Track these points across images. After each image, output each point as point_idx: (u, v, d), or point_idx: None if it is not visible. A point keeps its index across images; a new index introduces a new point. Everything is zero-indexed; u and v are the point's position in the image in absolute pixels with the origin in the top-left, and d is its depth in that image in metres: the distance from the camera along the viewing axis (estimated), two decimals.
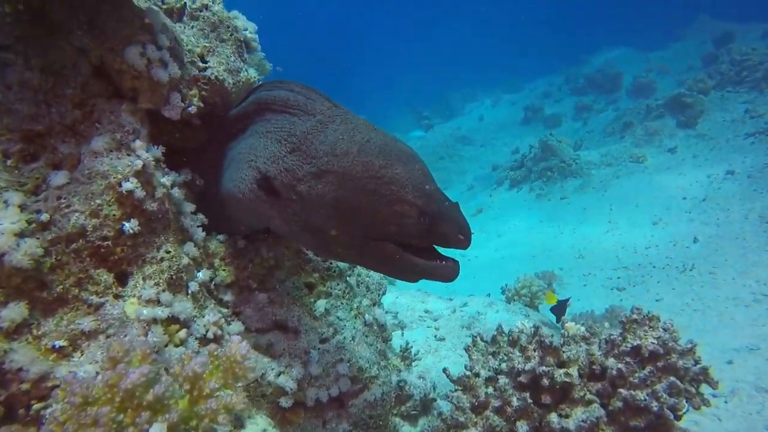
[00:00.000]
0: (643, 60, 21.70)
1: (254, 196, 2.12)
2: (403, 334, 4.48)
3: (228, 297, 2.67)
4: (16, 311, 1.63)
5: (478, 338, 2.50)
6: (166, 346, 1.94)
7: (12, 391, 1.57)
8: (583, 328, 2.23)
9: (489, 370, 2.26)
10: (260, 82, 4.91)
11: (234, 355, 1.40)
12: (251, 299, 2.74)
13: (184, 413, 1.28)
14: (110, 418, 1.12)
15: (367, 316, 3.09)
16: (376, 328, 3.15)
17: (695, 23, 23.29)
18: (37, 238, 1.72)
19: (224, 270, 2.69)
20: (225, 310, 2.62)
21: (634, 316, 2.12)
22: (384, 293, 3.39)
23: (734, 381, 4.92)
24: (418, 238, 1.78)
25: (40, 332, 1.71)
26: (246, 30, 3.48)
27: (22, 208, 1.74)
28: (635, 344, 1.98)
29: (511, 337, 2.36)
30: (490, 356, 2.34)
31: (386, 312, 5.02)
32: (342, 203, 1.82)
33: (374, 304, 3.24)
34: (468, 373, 2.30)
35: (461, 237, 1.75)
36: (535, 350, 2.07)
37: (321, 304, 2.90)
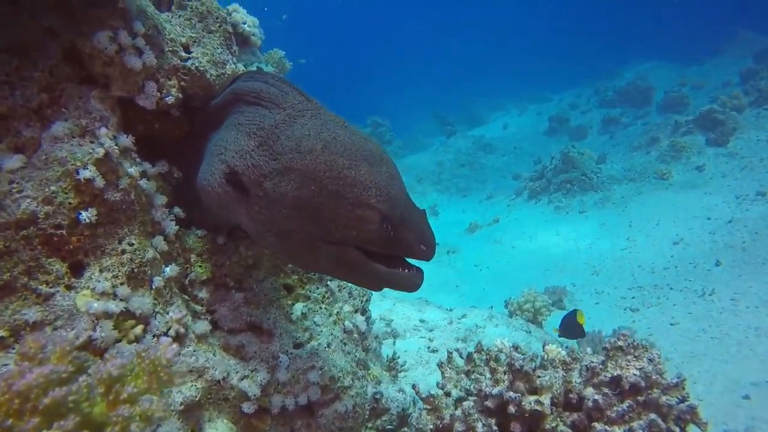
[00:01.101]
0: (677, 74, 21.08)
1: (223, 191, 2.04)
2: (395, 343, 4.35)
3: (203, 294, 2.60)
4: None
5: (454, 354, 2.36)
6: (118, 342, 1.87)
7: None
8: (564, 352, 2.07)
9: (460, 390, 2.12)
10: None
11: (159, 358, 1.31)
12: (227, 298, 2.66)
13: (92, 420, 1.19)
14: None
15: (347, 322, 2.98)
16: (356, 335, 3.03)
17: (735, 38, 22.51)
18: None
19: (200, 266, 2.62)
20: (198, 308, 2.55)
21: (620, 343, 1.95)
22: (368, 300, 3.27)
23: (750, 418, 4.62)
24: (380, 246, 1.67)
25: None
26: (245, 23, 3.42)
27: None
28: (616, 374, 1.82)
29: (488, 356, 2.21)
30: (463, 374, 2.20)
31: (380, 319, 4.91)
32: (303, 203, 1.72)
33: (356, 311, 3.12)
34: (438, 391, 2.16)
35: (423, 248, 1.63)
36: (505, 373, 1.92)
37: (298, 308, 2.81)
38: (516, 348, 2.13)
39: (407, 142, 23.19)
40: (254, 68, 5.27)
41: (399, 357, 3.84)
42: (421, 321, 4.86)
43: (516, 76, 31.87)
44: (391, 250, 1.68)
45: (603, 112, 19.84)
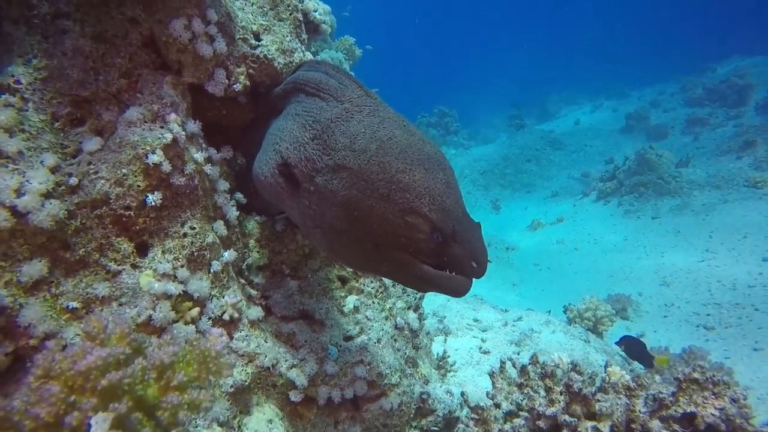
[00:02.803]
0: None
1: (275, 181, 2.04)
2: (446, 340, 4.27)
3: (259, 279, 2.65)
4: (35, 268, 1.69)
5: (508, 363, 2.25)
6: (175, 323, 1.94)
7: (20, 344, 1.62)
8: (628, 377, 1.91)
9: (511, 404, 2.02)
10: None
11: (210, 349, 1.32)
12: (282, 285, 2.70)
13: (146, 403, 1.23)
14: (60, 398, 1.08)
15: (399, 319, 2.94)
16: (407, 332, 2.99)
17: None
18: (65, 200, 1.77)
19: (258, 252, 2.67)
20: (254, 292, 2.60)
21: (696, 375, 1.77)
22: (422, 297, 3.21)
23: None
24: (428, 257, 1.59)
25: (58, 291, 1.76)
26: (316, 11, 3.42)
27: (56, 169, 1.79)
28: (689, 411, 1.64)
29: (543, 370, 2.09)
30: (515, 387, 2.09)
31: (432, 315, 4.83)
32: (353, 204, 1.67)
33: (409, 308, 3.08)
34: (487, 402, 2.07)
35: (474, 265, 1.53)
36: (561, 393, 1.80)
37: (351, 300, 2.80)
38: (575, 366, 1.99)
39: (473, 134, 22.68)
40: (324, 55, 5.31)
41: (449, 356, 3.76)
42: (475, 320, 4.73)
43: (593, 69, 30.17)
44: (439, 261, 1.59)
45: (688, 111, 18.29)
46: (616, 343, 4.83)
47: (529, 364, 2.20)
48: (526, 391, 2.02)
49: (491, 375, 2.18)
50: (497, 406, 2.05)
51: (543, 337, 4.52)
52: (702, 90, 19.26)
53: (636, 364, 5.30)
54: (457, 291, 1.58)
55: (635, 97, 23.07)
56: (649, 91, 23.01)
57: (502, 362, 2.24)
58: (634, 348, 5.02)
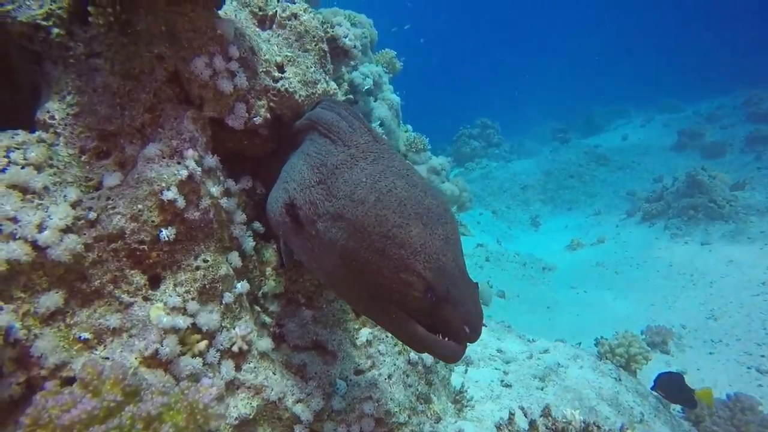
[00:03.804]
0: None
1: (282, 220, 2.06)
2: (466, 371, 4.17)
3: (274, 307, 2.67)
4: (52, 299, 1.76)
5: (518, 413, 2.17)
6: (183, 355, 1.97)
7: (33, 374, 1.69)
8: None
9: None
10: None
11: (198, 401, 1.33)
12: (297, 314, 2.71)
13: None
14: None
15: (412, 354, 2.89)
16: (420, 368, 2.93)
17: None
18: (83, 234, 1.84)
19: (274, 280, 2.69)
20: (269, 320, 2.63)
21: None
22: None
23: None
24: (421, 316, 1.53)
25: (72, 321, 1.82)
26: (346, 37, 3.44)
27: (77, 204, 1.86)
28: None
29: (554, 427, 2.00)
30: None
31: None
32: (349, 255, 1.64)
33: None
34: None
35: (467, 330, 1.46)
36: None
37: (364, 333, 2.77)
38: (587, 427, 1.89)
39: (515, 147, 22.21)
40: (364, 69, 5.33)
41: (467, 389, 3.66)
42: (498, 351, 4.59)
43: (644, 80, 28.93)
44: (431, 322, 1.52)
45: (750, 128, 17.13)
46: (652, 389, 4.54)
47: (540, 416, 2.10)
48: None
49: (498, 427, 2.09)
50: None
51: (570, 373, 4.33)
52: None
53: (676, 407, 4.98)
54: (449, 358, 1.53)
55: (690, 112, 21.94)
56: (707, 105, 21.80)
57: (511, 413, 2.15)
58: (672, 386, 4.71)
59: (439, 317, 1.49)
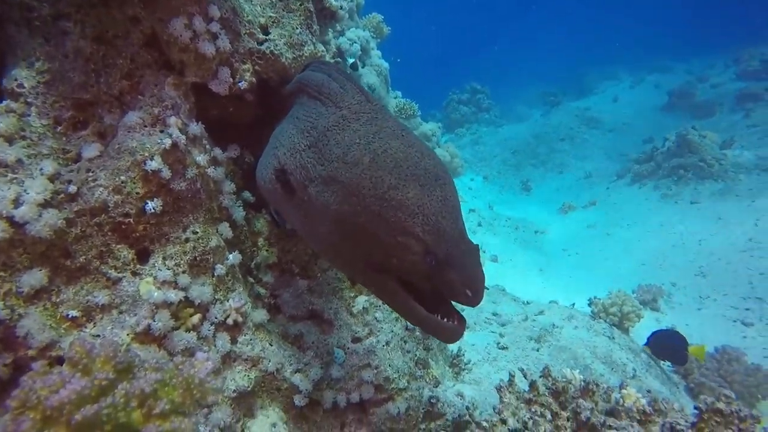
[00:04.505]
0: None
1: (272, 187, 1.98)
2: (463, 335, 4.19)
3: (268, 278, 2.63)
4: (35, 277, 1.69)
5: (518, 374, 2.17)
6: (176, 330, 1.93)
7: (19, 354, 1.64)
8: (644, 401, 1.80)
9: (518, 421, 1.94)
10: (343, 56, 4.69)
11: (193, 376, 1.29)
12: (291, 283, 2.67)
13: (129, 428, 1.21)
14: (34, 430, 1.06)
15: None
16: (418, 333, 2.93)
17: None
18: (64, 209, 1.75)
19: (267, 250, 2.64)
20: (263, 291, 2.59)
21: (720, 405, 1.64)
22: None
23: None
24: (421, 279, 1.49)
25: (59, 299, 1.76)
26: None
27: (55, 177, 1.77)
28: None
29: (554, 386, 2.00)
30: (523, 404, 2.01)
31: None
32: (344, 220, 1.58)
33: None
34: (493, 418, 2.00)
35: (468, 293, 1.42)
36: (569, 419, 1.70)
37: (360, 301, 2.75)
38: (587, 385, 1.89)
39: (505, 111, 21.95)
40: (350, 34, 5.13)
41: (464, 353, 3.69)
42: (494, 314, 4.63)
43: (634, 40, 28.45)
44: (432, 286, 1.49)
45: (740, 86, 17.04)
46: (645, 345, 4.62)
47: (540, 377, 2.11)
48: (534, 409, 1.93)
49: (499, 389, 2.10)
50: (503, 422, 1.98)
51: (565, 333, 4.38)
52: (759, 62, 17.85)
53: (667, 365, 5.08)
54: (447, 338, 1.51)
55: (681, 71, 21.73)
56: (698, 64, 21.61)
57: (511, 375, 2.15)
58: (664, 345, 4.76)
59: (440, 281, 1.45)
